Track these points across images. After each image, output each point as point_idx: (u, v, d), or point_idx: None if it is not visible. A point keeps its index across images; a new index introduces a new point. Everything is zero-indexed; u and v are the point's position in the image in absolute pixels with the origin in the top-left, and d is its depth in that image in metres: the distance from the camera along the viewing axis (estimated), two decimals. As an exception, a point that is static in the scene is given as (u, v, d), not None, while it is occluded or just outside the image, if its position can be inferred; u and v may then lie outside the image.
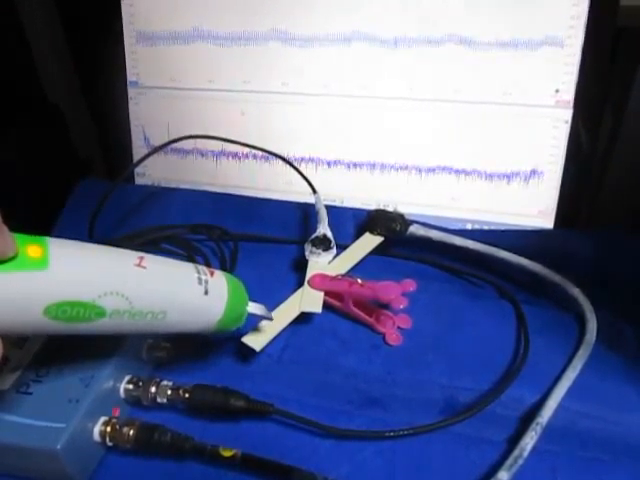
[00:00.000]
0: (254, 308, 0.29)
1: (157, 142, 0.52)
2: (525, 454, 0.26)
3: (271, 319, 0.31)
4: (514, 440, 0.27)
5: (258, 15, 0.47)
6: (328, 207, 0.42)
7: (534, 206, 0.44)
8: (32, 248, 0.20)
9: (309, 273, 0.37)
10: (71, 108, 0.61)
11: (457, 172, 0.45)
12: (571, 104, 0.42)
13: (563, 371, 0.31)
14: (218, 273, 0.28)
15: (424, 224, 0.42)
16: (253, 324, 0.32)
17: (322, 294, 0.35)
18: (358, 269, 0.39)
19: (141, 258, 0.24)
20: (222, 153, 0.51)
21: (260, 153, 0.48)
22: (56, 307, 0.21)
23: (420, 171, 0.46)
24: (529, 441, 0.27)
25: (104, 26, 0.52)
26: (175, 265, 0.27)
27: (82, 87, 0.61)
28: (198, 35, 0.49)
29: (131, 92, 0.53)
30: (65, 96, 0.61)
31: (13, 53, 0.57)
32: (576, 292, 0.36)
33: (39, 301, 0.21)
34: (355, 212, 0.45)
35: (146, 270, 0.24)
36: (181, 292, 0.26)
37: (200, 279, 0.26)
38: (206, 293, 0.26)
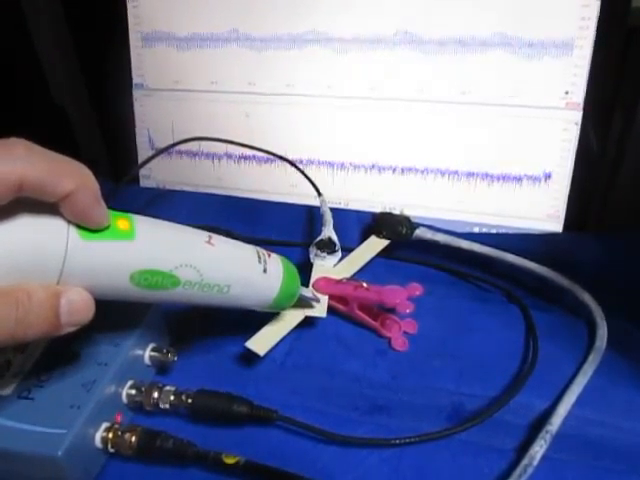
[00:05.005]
0: (304, 290, 0.33)
1: (162, 144, 0.51)
2: (535, 463, 0.25)
3: (319, 301, 0.34)
4: (523, 448, 0.27)
5: (262, 17, 0.47)
6: (333, 210, 0.41)
7: (543, 209, 0.44)
8: (121, 221, 0.23)
9: (314, 276, 0.36)
10: (76, 110, 0.61)
11: (464, 174, 0.45)
12: (581, 106, 0.41)
13: (573, 377, 0.30)
14: (274, 255, 0.31)
15: (430, 227, 0.41)
16: (256, 329, 0.32)
17: (327, 298, 0.35)
18: (363, 273, 0.38)
19: (210, 236, 0.27)
20: (226, 155, 0.50)
21: (265, 155, 0.48)
22: (139, 274, 0.23)
23: (427, 173, 0.46)
24: (539, 449, 0.26)
25: (110, 28, 0.52)
26: (238, 245, 0.29)
27: (87, 89, 0.61)
28: (203, 37, 0.49)
29: (136, 94, 0.53)
30: (70, 98, 0.61)
31: (19, 55, 0.57)
32: (586, 297, 0.35)
33: (126, 268, 0.23)
34: (360, 215, 0.44)
35: (214, 247, 0.27)
36: (244, 269, 0.28)
37: (260, 258, 0.29)
38: (265, 271, 0.29)
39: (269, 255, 0.30)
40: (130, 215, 0.24)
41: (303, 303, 0.34)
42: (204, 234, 0.27)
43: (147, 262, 0.23)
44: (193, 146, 0.51)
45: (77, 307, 0.21)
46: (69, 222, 0.21)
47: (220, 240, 0.28)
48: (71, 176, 0.20)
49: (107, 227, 0.22)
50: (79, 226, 0.21)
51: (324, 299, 0.35)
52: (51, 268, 0.21)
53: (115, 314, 0.29)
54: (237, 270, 0.28)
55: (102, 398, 0.25)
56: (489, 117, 0.43)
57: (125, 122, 0.53)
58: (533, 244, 0.41)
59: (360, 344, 0.34)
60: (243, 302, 0.29)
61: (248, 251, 0.29)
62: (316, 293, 0.34)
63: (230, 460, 0.25)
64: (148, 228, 0.24)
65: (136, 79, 0.52)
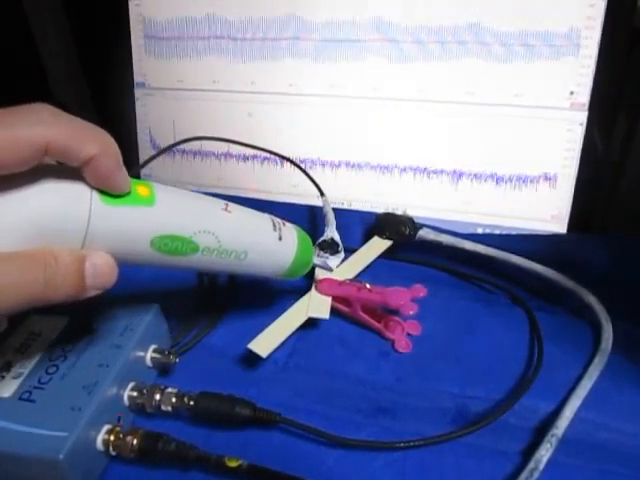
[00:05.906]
0: (317, 259, 0.34)
1: (163, 143, 0.51)
2: (541, 467, 0.25)
3: (331, 270, 0.35)
4: (529, 452, 0.26)
5: (265, 16, 0.47)
6: (336, 210, 0.41)
7: (547, 210, 0.44)
8: (141, 188, 0.24)
9: (316, 277, 0.36)
10: (78, 108, 0.61)
11: (468, 175, 0.44)
12: (586, 107, 0.41)
13: (579, 380, 0.30)
14: (288, 224, 0.32)
15: (434, 228, 0.41)
16: (259, 331, 0.31)
17: (329, 299, 0.35)
18: (366, 274, 0.38)
19: (227, 204, 0.28)
20: (228, 154, 0.50)
21: (267, 155, 0.48)
22: (159, 240, 0.24)
23: (430, 174, 0.45)
24: (544, 453, 0.26)
25: (111, 26, 0.52)
26: (254, 213, 0.30)
27: (89, 87, 0.61)
28: (205, 36, 0.49)
29: (138, 93, 0.52)
30: (72, 96, 0.61)
31: (20, 53, 0.57)
32: (591, 299, 0.35)
33: (147, 232, 0.24)
34: (363, 215, 0.44)
35: (231, 214, 0.28)
36: (260, 236, 0.29)
37: (275, 226, 0.30)
38: (280, 239, 0.30)
39: (284, 224, 0.31)
40: (150, 182, 0.25)
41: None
42: (221, 202, 0.28)
43: (167, 227, 0.24)
44: (195, 145, 0.51)
45: (101, 270, 0.22)
46: (92, 187, 0.21)
47: (236, 208, 0.29)
48: (94, 141, 0.21)
49: (128, 193, 0.23)
50: (101, 191, 0.22)
51: (327, 300, 0.34)
52: (75, 232, 0.21)
53: (116, 315, 0.29)
54: (254, 237, 0.29)
55: (103, 400, 0.25)
56: (493, 117, 0.43)
57: (126, 121, 0.53)
58: (537, 245, 0.41)
59: (363, 346, 0.34)
60: (260, 269, 0.30)
61: (263, 219, 0.30)
62: (327, 263, 0.35)
63: (232, 463, 0.25)
64: (167, 195, 0.25)
65: (138, 78, 0.52)
